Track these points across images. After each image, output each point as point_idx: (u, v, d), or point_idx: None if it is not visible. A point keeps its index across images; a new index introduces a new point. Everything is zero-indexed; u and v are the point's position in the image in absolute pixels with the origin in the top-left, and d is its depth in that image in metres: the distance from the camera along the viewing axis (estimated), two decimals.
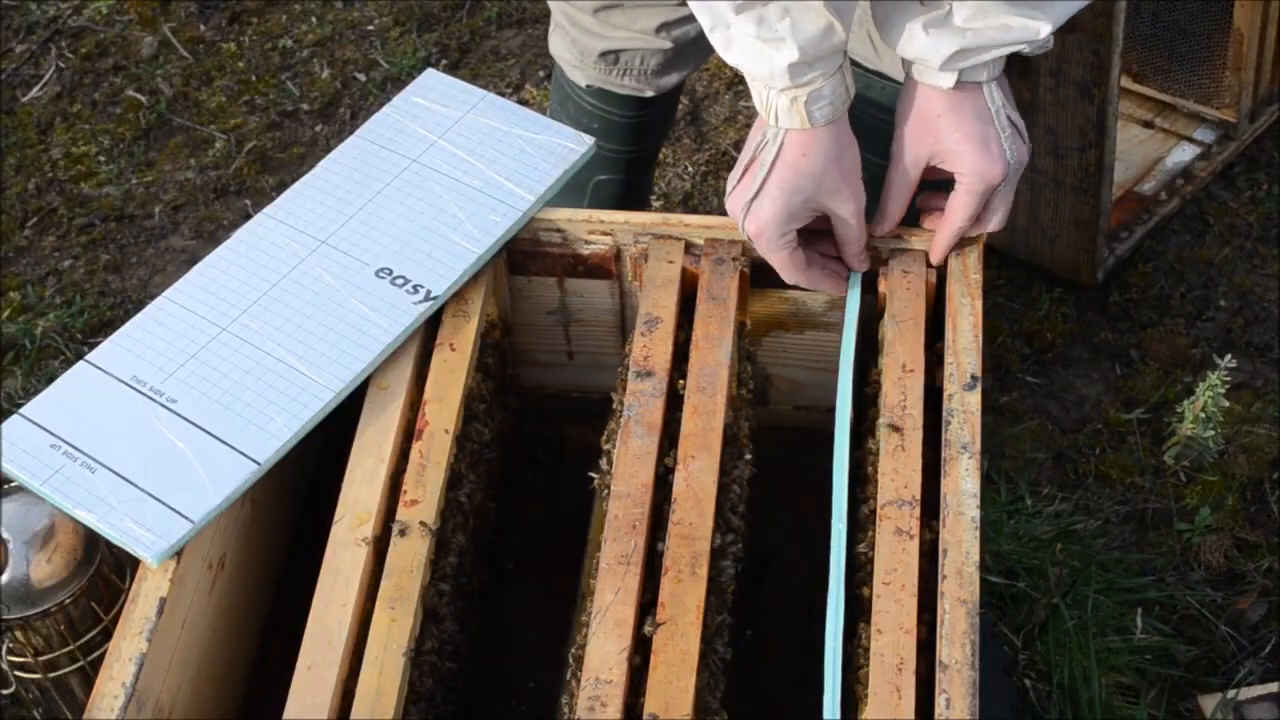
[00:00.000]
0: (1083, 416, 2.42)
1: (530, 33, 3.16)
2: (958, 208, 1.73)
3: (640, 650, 1.52)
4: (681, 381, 1.71)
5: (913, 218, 1.81)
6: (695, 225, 1.82)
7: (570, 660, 1.56)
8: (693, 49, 2.22)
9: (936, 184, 1.78)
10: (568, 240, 1.84)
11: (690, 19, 2.14)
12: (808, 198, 1.69)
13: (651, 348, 1.73)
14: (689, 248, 1.81)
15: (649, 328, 1.74)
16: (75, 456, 1.64)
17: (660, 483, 1.64)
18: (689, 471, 1.63)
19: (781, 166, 1.68)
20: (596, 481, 1.70)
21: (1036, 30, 1.67)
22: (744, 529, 1.69)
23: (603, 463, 1.70)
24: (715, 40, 1.65)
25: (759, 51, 1.62)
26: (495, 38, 3.18)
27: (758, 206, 1.69)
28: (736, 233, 1.79)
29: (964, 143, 1.71)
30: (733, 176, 1.72)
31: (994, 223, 1.75)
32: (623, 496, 1.60)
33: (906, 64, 1.73)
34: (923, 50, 1.68)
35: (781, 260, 1.72)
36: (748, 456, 1.74)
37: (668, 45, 2.18)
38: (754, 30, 1.61)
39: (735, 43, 1.63)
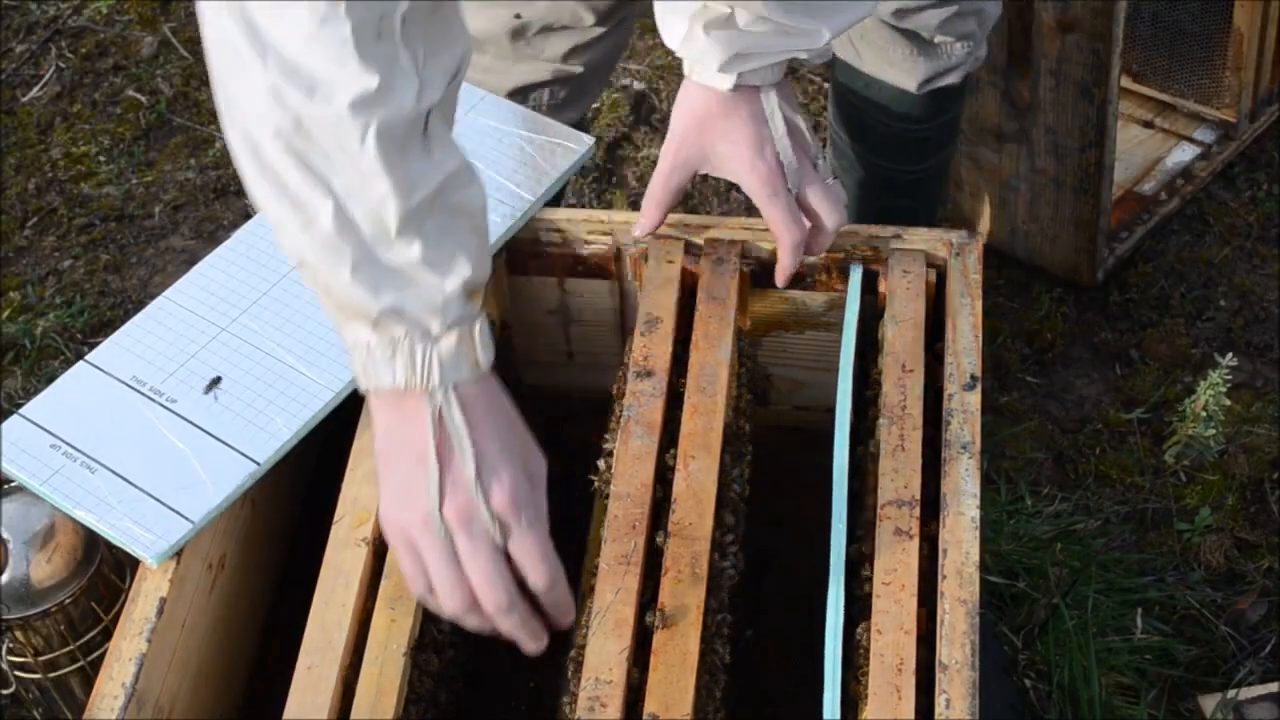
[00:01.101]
0: (1083, 416, 2.42)
1: None
2: (771, 219, 1.72)
3: (640, 650, 1.52)
4: (681, 381, 1.71)
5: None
6: (695, 225, 1.82)
7: (570, 661, 1.56)
8: (596, 77, 2.17)
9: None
10: (568, 240, 1.84)
11: (600, 41, 2.09)
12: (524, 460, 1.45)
13: (651, 347, 1.73)
14: (689, 248, 1.81)
15: (649, 328, 1.74)
16: (75, 457, 1.63)
17: (660, 483, 1.64)
18: (689, 471, 1.63)
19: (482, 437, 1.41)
20: (596, 482, 1.70)
21: (817, 38, 1.67)
22: (744, 529, 1.69)
23: (601, 463, 1.70)
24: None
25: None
26: None
27: (494, 499, 1.41)
28: (736, 232, 1.79)
29: (736, 144, 1.71)
30: (400, 500, 1.42)
31: (830, 225, 1.73)
32: (623, 497, 1.60)
33: (686, 65, 1.72)
34: (703, 51, 1.68)
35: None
36: (748, 457, 1.74)
37: (579, 70, 2.11)
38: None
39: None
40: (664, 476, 1.64)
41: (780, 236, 1.72)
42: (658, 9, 1.72)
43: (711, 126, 1.71)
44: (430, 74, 1.31)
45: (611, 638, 1.51)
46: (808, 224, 1.72)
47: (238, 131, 1.32)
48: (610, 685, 1.48)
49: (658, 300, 1.76)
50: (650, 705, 1.47)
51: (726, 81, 1.69)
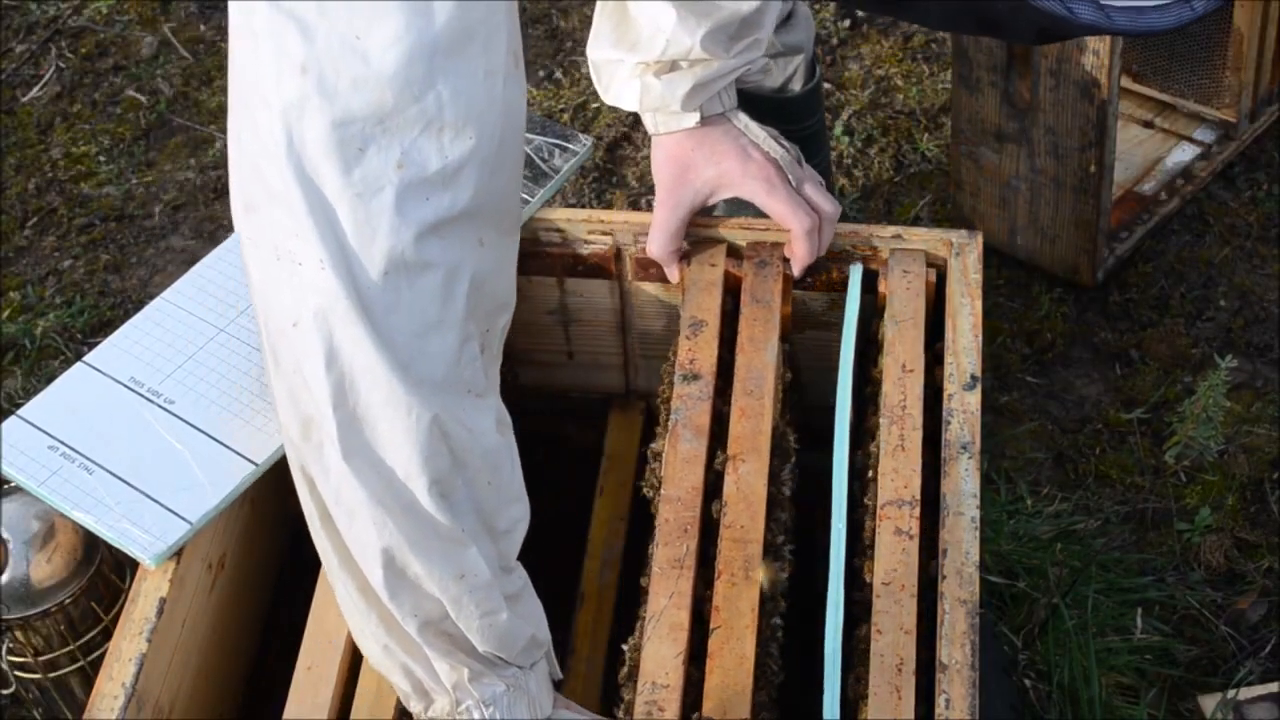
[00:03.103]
0: (1083, 416, 2.42)
1: (530, 33, 3.16)
2: (775, 212, 1.75)
3: (696, 654, 1.52)
4: (728, 384, 1.70)
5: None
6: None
7: (624, 665, 1.54)
8: None
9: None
10: (567, 240, 1.84)
11: None
12: None
13: (697, 351, 1.72)
14: (730, 250, 1.80)
15: (694, 330, 1.73)
16: (73, 458, 1.63)
17: (709, 486, 1.63)
18: (739, 474, 1.62)
19: None
20: (644, 485, 1.69)
21: (756, 48, 1.73)
22: (792, 530, 1.68)
23: (650, 467, 1.69)
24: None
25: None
26: None
27: None
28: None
29: (721, 162, 1.74)
30: None
31: (829, 212, 1.76)
32: (673, 500, 1.60)
33: (650, 121, 1.76)
34: (661, 97, 1.72)
35: None
36: (794, 458, 1.73)
37: None
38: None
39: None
40: (713, 479, 1.63)
41: (789, 225, 1.74)
42: (601, 81, 1.76)
43: (694, 161, 1.75)
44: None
45: (667, 642, 1.50)
46: (815, 214, 1.74)
47: (371, 511, 1.25)
48: (667, 689, 1.47)
49: (701, 303, 1.75)
50: (708, 709, 1.46)
51: (692, 118, 1.74)
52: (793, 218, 1.73)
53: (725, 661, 1.49)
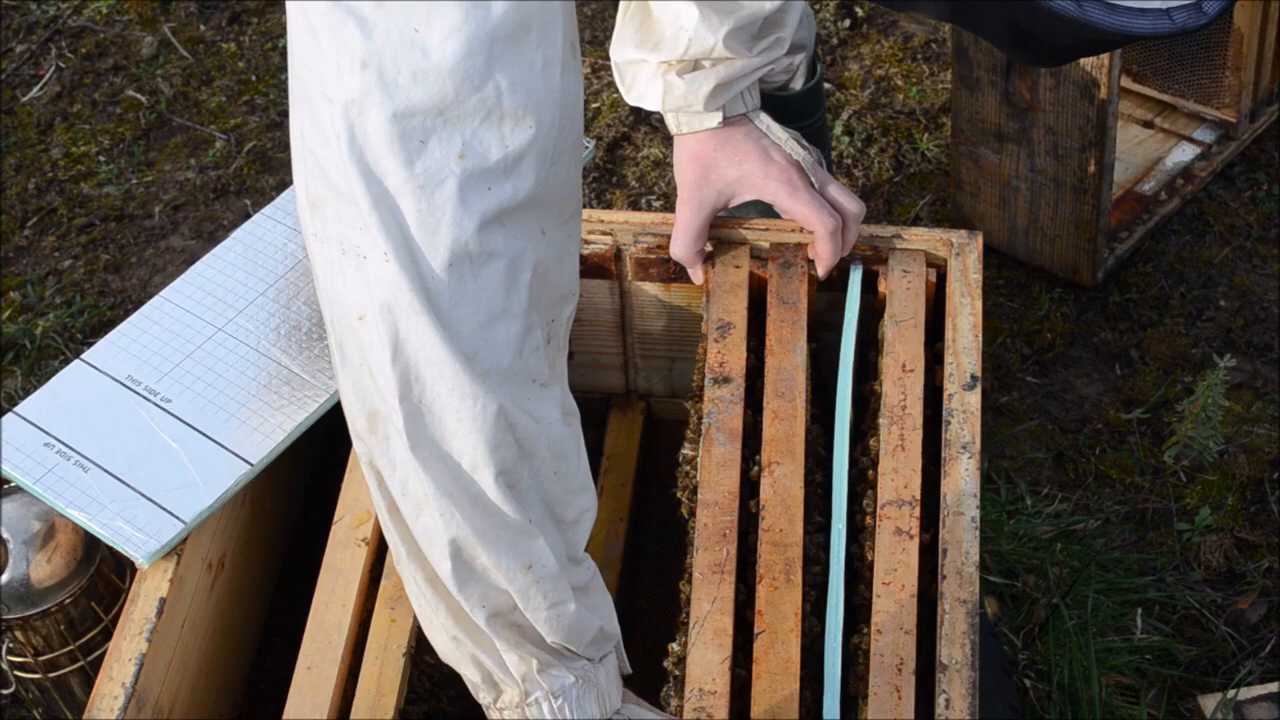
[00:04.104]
0: (1083, 416, 2.42)
1: None
2: (798, 215, 1.75)
3: (741, 659, 1.52)
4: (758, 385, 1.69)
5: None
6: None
7: (669, 672, 1.54)
8: None
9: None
10: None
11: None
12: None
13: (726, 354, 1.71)
14: (754, 252, 1.79)
15: (722, 333, 1.73)
16: (69, 455, 1.63)
17: (746, 489, 1.62)
18: (775, 478, 1.61)
19: None
20: (677, 491, 1.68)
21: (779, 47, 1.73)
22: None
23: (682, 471, 1.68)
24: None
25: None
26: None
27: None
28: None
29: (745, 163, 1.74)
30: None
31: (854, 212, 1.75)
32: (710, 504, 1.59)
33: (672, 122, 1.75)
34: (684, 96, 1.71)
35: None
36: (823, 455, 1.72)
37: None
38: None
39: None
40: (748, 482, 1.63)
41: (813, 227, 1.73)
42: (624, 82, 1.76)
43: (716, 162, 1.74)
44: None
45: (711, 648, 1.50)
46: (838, 214, 1.73)
47: (440, 501, 1.25)
48: (715, 695, 1.47)
49: (728, 305, 1.75)
50: (756, 713, 1.46)
51: (715, 118, 1.73)
52: (816, 220, 1.73)
53: (771, 666, 1.49)
